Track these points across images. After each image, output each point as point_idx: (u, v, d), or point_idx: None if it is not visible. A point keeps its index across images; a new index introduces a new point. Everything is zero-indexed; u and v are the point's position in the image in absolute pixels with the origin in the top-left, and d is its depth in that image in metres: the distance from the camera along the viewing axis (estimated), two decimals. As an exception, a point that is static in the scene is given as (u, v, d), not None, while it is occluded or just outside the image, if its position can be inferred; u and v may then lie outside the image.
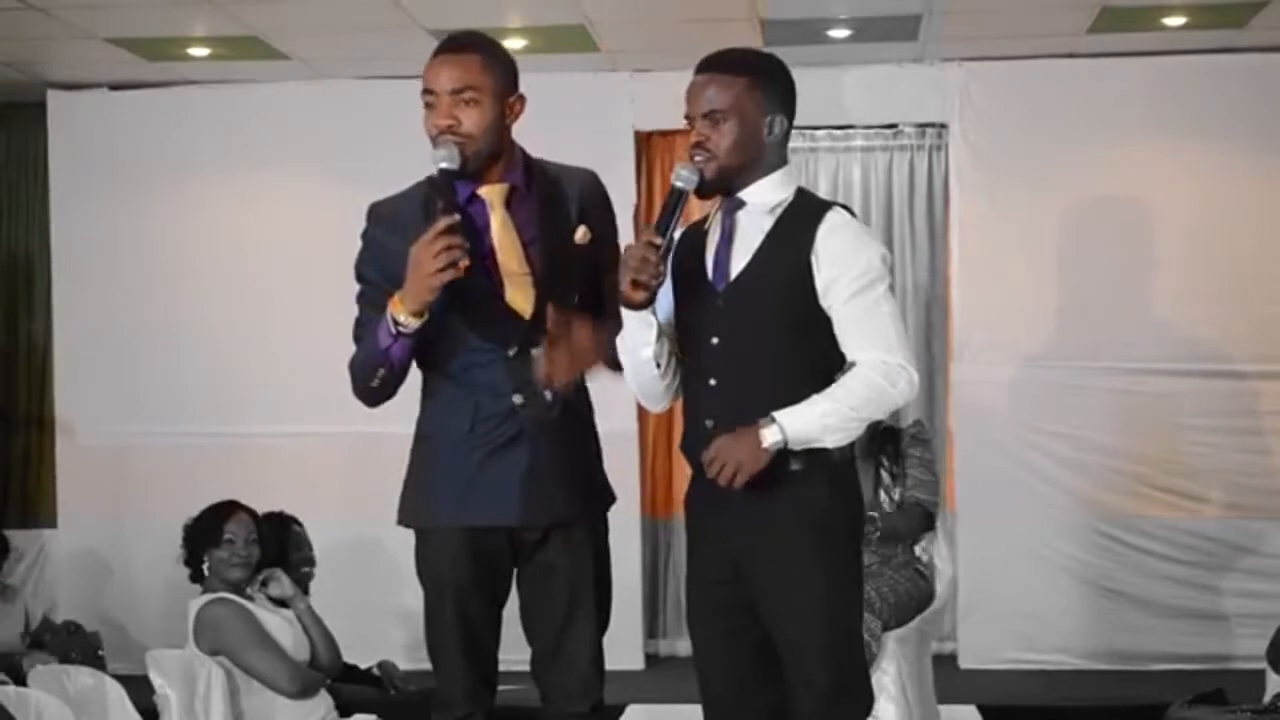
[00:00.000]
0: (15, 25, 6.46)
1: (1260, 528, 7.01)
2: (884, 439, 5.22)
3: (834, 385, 3.20)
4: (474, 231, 3.32)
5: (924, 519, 5.19)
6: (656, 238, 3.18)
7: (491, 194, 3.38)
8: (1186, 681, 6.05)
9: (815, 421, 3.16)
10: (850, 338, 3.23)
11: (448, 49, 3.35)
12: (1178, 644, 6.95)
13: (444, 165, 3.26)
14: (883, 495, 5.17)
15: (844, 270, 3.21)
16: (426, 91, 3.32)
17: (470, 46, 3.35)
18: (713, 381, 3.27)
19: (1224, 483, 7.04)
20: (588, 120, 6.85)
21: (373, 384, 3.36)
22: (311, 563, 5.33)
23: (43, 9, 6.26)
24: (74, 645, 6.03)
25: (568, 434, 3.41)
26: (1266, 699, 5.18)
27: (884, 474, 5.21)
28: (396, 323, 3.26)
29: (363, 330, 3.42)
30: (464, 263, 3.19)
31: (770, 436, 3.14)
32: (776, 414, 3.15)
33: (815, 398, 3.17)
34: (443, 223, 3.19)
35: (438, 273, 3.18)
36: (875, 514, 5.02)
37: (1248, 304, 7.02)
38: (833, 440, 3.19)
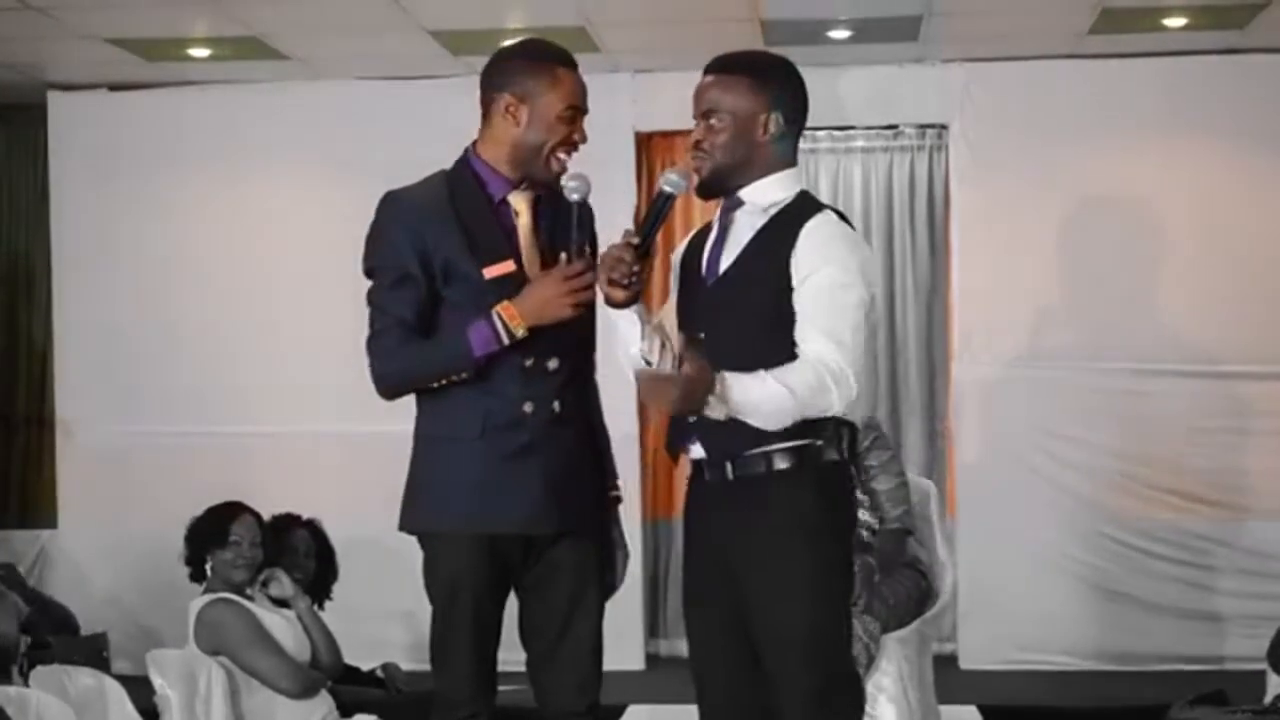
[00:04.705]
0: (15, 25, 6.46)
1: (1262, 529, 7.00)
2: None
3: (788, 373, 3.10)
4: (503, 235, 3.39)
5: (905, 534, 5.11)
6: (634, 239, 3.21)
7: (519, 201, 3.43)
8: (1187, 682, 6.04)
9: (755, 396, 3.08)
10: (806, 324, 3.17)
11: (572, 62, 3.52)
12: (1178, 645, 6.95)
13: (575, 198, 3.34)
14: (863, 532, 4.98)
15: (817, 268, 3.19)
16: (570, 108, 3.50)
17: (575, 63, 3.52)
18: None
19: (1224, 484, 7.03)
20: (588, 121, 6.81)
21: (433, 385, 3.38)
22: (303, 569, 5.23)
23: (42, 9, 6.26)
24: (77, 649, 5.99)
25: (579, 442, 3.45)
26: (1267, 700, 5.18)
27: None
28: (510, 332, 3.30)
29: (386, 321, 3.38)
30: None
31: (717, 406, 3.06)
32: (728, 376, 3.06)
33: (766, 376, 3.08)
34: (581, 264, 3.29)
35: (570, 308, 3.29)
36: (871, 558, 4.91)
37: (1249, 305, 7.01)
38: (760, 423, 3.11)
